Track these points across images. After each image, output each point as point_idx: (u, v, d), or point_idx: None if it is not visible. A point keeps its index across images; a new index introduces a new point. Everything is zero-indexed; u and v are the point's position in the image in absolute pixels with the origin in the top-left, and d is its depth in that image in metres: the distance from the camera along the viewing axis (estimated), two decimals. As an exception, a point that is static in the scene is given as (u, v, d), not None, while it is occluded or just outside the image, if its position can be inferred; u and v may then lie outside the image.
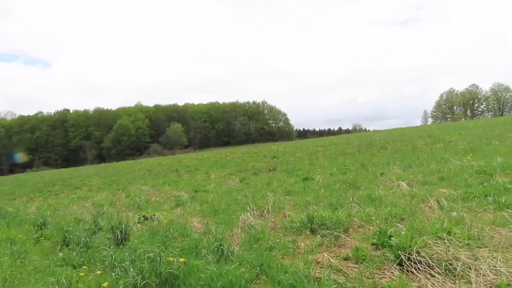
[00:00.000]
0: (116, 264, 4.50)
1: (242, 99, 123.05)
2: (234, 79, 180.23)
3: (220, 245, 4.68)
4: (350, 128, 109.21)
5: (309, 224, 5.33)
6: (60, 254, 5.37)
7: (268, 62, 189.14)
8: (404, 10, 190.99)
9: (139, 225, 7.05)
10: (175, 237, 5.87)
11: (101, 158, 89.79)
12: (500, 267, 3.23)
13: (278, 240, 5.01)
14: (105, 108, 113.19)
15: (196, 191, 12.48)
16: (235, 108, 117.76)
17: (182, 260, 4.12)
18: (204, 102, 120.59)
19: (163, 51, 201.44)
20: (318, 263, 4.08)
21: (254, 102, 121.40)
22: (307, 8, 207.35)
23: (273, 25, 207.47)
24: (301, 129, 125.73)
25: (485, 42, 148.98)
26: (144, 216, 7.59)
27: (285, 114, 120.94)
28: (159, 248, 4.48)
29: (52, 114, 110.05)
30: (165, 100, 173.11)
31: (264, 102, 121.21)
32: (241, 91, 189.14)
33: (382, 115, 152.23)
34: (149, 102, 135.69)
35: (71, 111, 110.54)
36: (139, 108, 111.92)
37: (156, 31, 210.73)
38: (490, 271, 3.21)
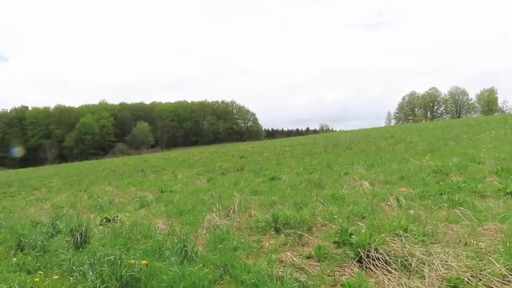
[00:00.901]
0: (75, 268, 4.34)
1: (211, 99, 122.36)
2: (204, 78, 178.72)
3: (184, 246, 4.62)
4: (317, 129, 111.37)
5: (273, 224, 5.38)
6: (14, 259, 5.10)
7: (239, 61, 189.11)
8: (369, 14, 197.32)
9: (101, 227, 6.83)
10: (139, 239, 5.74)
11: (62, 158, 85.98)
12: (452, 262, 3.41)
13: (243, 240, 5.02)
14: (67, 105, 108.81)
15: (162, 192, 12.26)
16: (203, 108, 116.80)
17: (144, 262, 4.03)
18: (172, 101, 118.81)
19: (130, 49, 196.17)
20: (282, 262, 4.13)
21: (223, 102, 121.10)
22: (279, 9, 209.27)
23: (245, 25, 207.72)
24: (270, 129, 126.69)
25: (444, 46, 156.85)
26: (106, 217, 7.36)
27: (253, 114, 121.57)
28: (120, 250, 4.36)
29: (8, 111, 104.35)
30: (132, 98, 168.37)
31: (233, 102, 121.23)
32: (211, 90, 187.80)
33: (348, 116, 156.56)
34: (115, 100, 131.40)
35: (30, 108, 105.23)
36: (104, 106, 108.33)
37: (124, 27, 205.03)
38: (442, 266, 3.38)
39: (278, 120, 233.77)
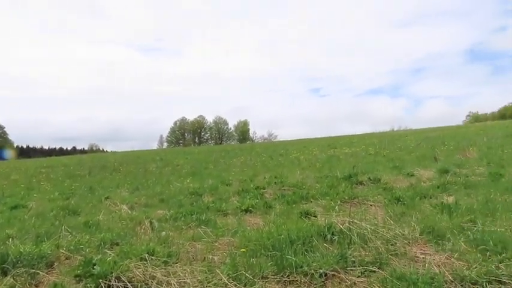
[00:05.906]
0: None
1: None
2: None
3: None
4: (86, 148, 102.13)
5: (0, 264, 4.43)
6: None
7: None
8: (148, 39, 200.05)
9: None
10: None
11: None
12: (187, 278, 3.72)
13: None
14: None
15: None
16: None
17: None
18: None
19: None
20: (2, 311, 3.42)
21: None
22: (53, 13, 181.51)
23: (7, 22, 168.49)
24: (24, 147, 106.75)
25: (211, 78, 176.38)
26: None
27: (2, 127, 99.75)
28: None
29: None
30: None
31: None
32: None
33: (122, 136, 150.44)
34: None
35: None
36: None
37: None
38: (179, 284, 3.63)
39: (36, 136, 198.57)
